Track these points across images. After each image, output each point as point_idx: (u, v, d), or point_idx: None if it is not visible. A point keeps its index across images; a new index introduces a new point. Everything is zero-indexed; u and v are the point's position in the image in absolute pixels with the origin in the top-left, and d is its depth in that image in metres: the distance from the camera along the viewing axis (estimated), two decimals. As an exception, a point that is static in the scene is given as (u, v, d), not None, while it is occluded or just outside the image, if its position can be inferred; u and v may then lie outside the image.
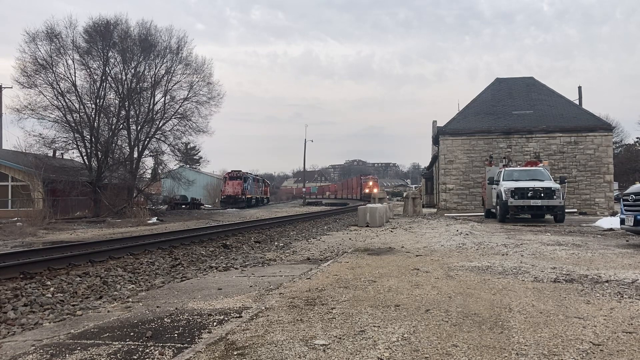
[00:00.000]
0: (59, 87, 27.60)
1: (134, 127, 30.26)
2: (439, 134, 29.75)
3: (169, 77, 30.95)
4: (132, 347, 3.69)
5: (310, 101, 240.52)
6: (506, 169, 19.98)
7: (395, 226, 16.78)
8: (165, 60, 30.87)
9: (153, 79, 30.70)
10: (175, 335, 3.98)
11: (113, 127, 29.59)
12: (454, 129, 29.05)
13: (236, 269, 8.17)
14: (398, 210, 28.88)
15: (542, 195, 16.87)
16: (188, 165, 57.33)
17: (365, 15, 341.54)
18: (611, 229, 13.54)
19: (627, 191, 10.31)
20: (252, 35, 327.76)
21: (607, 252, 8.60)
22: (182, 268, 8.72)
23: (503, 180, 18.32)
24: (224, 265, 8.55)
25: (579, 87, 35.12)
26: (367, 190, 61.52)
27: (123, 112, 29.91)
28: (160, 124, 30.96)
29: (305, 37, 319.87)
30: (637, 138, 57.54)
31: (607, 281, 5.79)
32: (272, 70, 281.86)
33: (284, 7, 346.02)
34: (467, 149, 28.55)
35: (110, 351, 3.59)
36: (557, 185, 17.38)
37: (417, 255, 8.44)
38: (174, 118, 31.37)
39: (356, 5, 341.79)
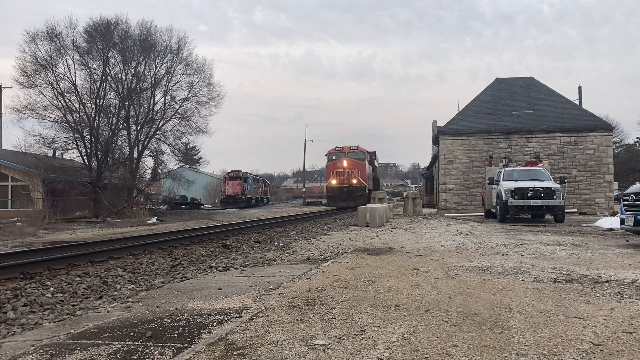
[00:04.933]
0: (59, 87, 27.63)
1: (134, 127, 30.29)
2: (439, 134, 29.77)
3: (169, 77, 30.99)
4: (132, 347, 3.69)
5: (311, 102, 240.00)
6: (506, 169, 19.99)
7: (395, 226, 16.78)
8: (165, 61, 30.92)
9: (153, 79, 30.74)
10: (175, 335, 3.98)
11: (113, 127, 29.60)
12: (454, 129, 29.07)
13: (236, 269, 8.16)
14: (398, 210, 28.88)
15: (542, 195, 16.88)
16: (188, 165, 57.39)
17: (366, 16, 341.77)
18: (611, 229, 13.54)
19: (627, 191, 10.31)
20: (254, 36, 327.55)
21: (607, 252, 8.61)
22: (182, 268, 8.71)
23: (503, 180, 18.33)
24: (224, 265, 8.55)
25: (579, 87, 35.21)
26: (334, 182, 33.72)
27: (123, 112, 29.92)
28: (160, 124, 30.99)
29: (306, 38, 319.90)
30: (637, 138, 57.67)
31: (607, 281, 5.79)
32: (273, 71, 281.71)
33: (286, 8, 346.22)
34: (467, 149, 28.57)
35: (110, 351, 3.59)
36: (557, 185, 17.40)
37: (417, 255, 8.44)
38: (174, 118, 31.42)
39: (357, 6, 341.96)
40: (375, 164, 45.25)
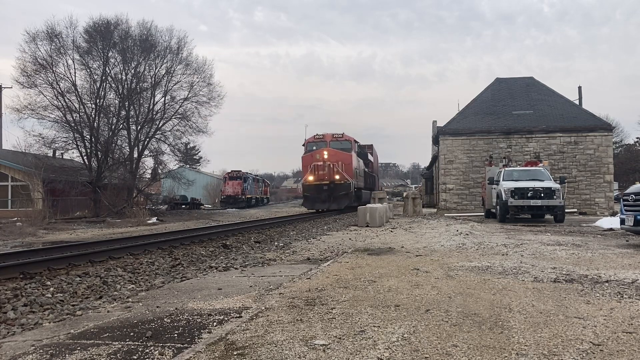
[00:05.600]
0: (59, 87, 27.67)
1: (134, 127, 30.33)
2: (439, 134, 29.77)
3: (169, 78, 31.03)
4: (132, 347, 3.69)
5: (311, 102, 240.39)
6: (506, 169, 20.00)
7: (395, 226, 16.78)
8: (165, 61, 30.96)
9: (153, 79, 30.76)
10: (175, 335, 3.98)
11: (113, 127, 29.62)
12: (454, 129, 29.06)
13: (236, 269, 8.16)
14: (398, 210, 28.87)
15: (542, 195, 16.89)
16: (188, 165, 57.32)
17: (366, 16, 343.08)
18: (611, 229, 13.54)
19: (627, 191, 10.31)
20: (254, 36, 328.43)
21: (607, 252, 8.60)
22: (182, 268, 8.71)
23: (503, 180, 18.33)
24: (224, 265, 8.55)
25: (579, 87, 35.16)
26: (311, 178, 27.32)
27: (123, 112, 29.94)
28: (160, 124, 31.01)
29: (307, 38, 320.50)
30: (637, 138, 57.67)
31: (607, 281, 5.79)
32: (273, 71, 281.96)
33: (286, 8, 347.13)
34: (467, 149, 28.57)
35: (110, 351, 3.59)
36: (557, 185, 17.41)
37: (417, 255, 8.44)
38: (174, 118, 31.45)
39: (357, 6, 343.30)
40: (371, 158, 39.00)
